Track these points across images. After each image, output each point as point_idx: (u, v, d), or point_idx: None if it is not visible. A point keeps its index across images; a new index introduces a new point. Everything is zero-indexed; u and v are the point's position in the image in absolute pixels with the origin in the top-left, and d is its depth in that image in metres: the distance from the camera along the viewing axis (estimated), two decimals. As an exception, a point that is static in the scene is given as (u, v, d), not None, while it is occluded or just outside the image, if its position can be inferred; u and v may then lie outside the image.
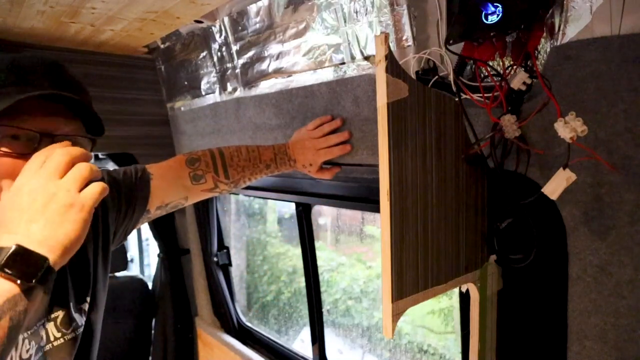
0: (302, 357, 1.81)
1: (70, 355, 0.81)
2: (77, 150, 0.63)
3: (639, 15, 0.64)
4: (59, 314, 0.80)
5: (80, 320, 0.84)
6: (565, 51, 0.72)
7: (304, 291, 1.71)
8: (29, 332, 0.74)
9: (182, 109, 1.88)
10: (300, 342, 2.74)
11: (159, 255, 2.32)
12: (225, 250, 2.18)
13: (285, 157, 1.20)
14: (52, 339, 0.79)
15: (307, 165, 1.19)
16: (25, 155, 0.68)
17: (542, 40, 0.76)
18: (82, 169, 0.61)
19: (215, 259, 2.12)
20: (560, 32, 0.73)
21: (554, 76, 0.73)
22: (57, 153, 0.62)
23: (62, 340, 0.80)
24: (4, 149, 0.68)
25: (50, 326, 0.79)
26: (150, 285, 2.36)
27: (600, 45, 0.68)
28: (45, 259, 0.54)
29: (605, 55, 0.68)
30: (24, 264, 0.53)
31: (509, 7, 0.70)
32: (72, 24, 1.38)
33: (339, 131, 1.15)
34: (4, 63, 0.72)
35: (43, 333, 0.77)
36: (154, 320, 2.34)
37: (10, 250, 0.53)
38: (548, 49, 0.76)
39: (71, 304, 0.82)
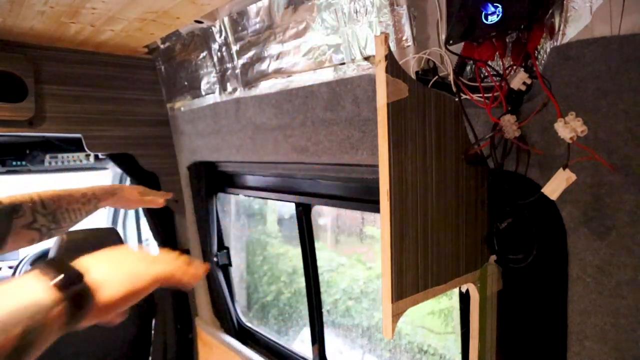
0: (302, 358, 1.81)
1: None
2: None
3: (639, 15, 0.64)
4: None
5: None
6: (565, 51, 0.72)
7: (304, 291, 1.71)
8: None
9: (182, 109, 1.88)
10: (301, 342, 2.74)
11: (158, 256, 2.31)
12: (225, 251, 2.18)
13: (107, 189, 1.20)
14: None
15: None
16: None
17: (542, 40, 0.76)
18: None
19: (215, 259, 2.12)
20: (560, 32, 0.73)
21: (554, 76, 0.73)
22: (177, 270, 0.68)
23: None
24: None
25: None
26: (150, 286, 2.35)
27: (600, 45, 0.68)
28: (78, 272, 0.55)
29: (605, 55, 0.68)
30: (60, 270, 0.54)
31: (509, 7, 0.70)
32: (72, 24, 1.38)
33: None
34: None
35: None
36: (154, 320, 2.33)
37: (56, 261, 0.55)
38: (548, 49, 0.76)
39: None
